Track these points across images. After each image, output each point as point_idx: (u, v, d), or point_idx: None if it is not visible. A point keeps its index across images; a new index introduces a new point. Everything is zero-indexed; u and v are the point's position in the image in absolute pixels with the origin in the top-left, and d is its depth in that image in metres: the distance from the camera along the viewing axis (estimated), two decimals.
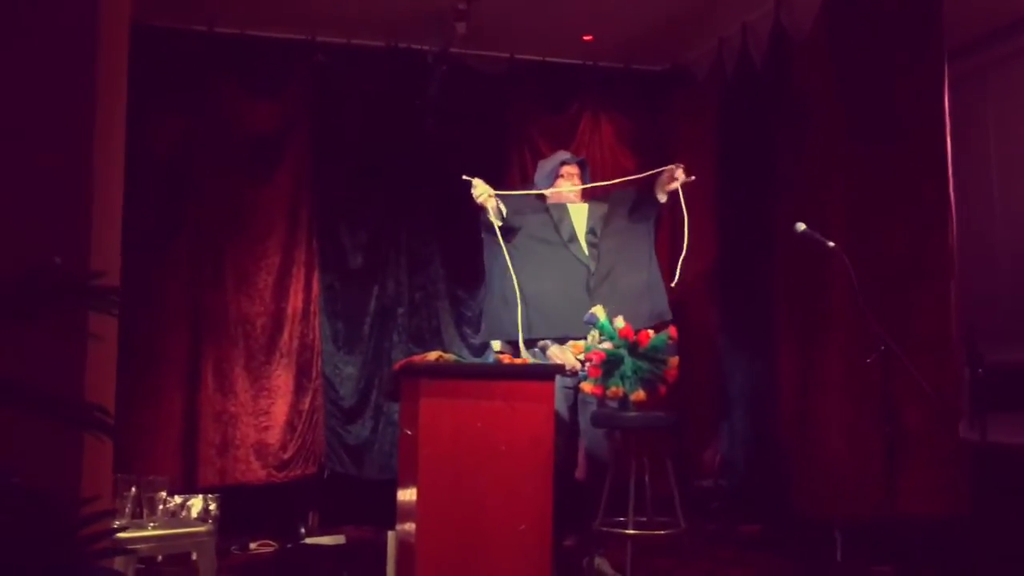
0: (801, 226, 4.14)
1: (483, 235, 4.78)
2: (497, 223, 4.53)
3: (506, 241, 4.55)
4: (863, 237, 4.48)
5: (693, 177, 4.54)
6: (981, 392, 4.19)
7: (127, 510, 3.34)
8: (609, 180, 5.12)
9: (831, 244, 4.05)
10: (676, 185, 4.55)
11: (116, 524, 3.09)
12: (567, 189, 4.74)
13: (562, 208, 4.74)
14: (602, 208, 4.80)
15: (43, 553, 1.13)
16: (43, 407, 1.19)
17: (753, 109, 5.48)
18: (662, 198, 4.68)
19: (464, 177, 4.56)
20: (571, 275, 4.59)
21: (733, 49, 5.74)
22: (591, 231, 4.71)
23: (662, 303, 4.69)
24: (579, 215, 4.74)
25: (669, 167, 4.61)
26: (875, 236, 4.48)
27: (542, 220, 4.71)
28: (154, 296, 5.46)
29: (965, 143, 4.69)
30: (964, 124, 4.68)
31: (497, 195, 4.58)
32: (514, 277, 4.49)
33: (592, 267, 4.62)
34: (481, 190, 4.51)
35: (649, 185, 4.72)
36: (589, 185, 4.90)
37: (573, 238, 4.68)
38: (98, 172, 1.59)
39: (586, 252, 4.66)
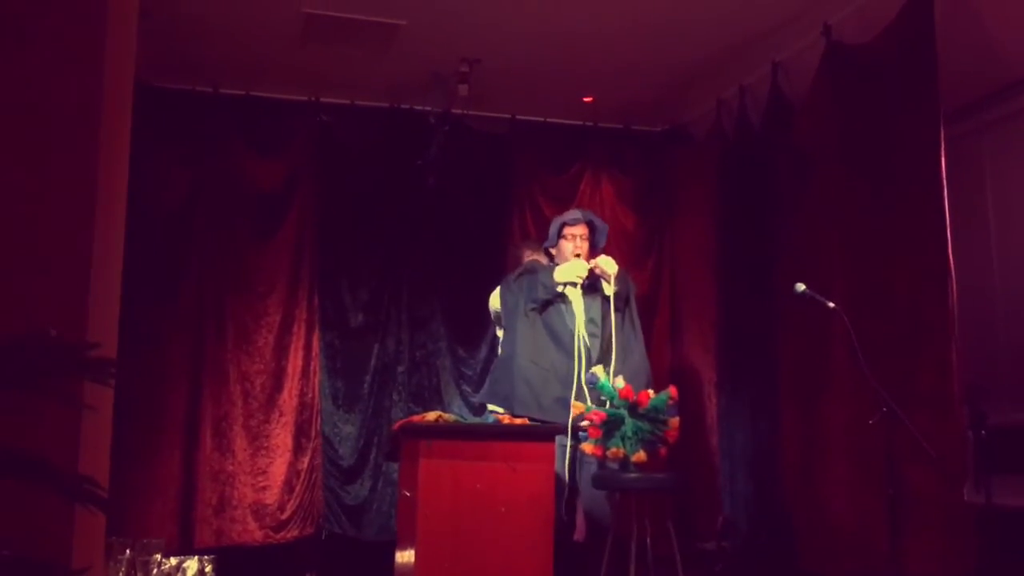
0: (801, 287, 4.13)
1: (514, 299, 4.78)
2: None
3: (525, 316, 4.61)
4: (864, 296, 4.48)
5: (614, 270, 4.64)
6: (985, 454, 4.14)
7: (121, 574, 3.29)
8: (607, 241, 5.10)
9: (831, 305, 4.03)
10: (609, 276, 4.62)
11: None
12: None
13: (567, 298, 4.74)
14: (597, 300, 4.76)
15: None
16: (35, 477, 1.18)
17: (752, 169, 5.52)
18: (607, 291, 4.70)
19: (604, 257, 4.65)
20: (569, 364, 4.57)
21: (731, 110, 5.80)
22: (591, 320, 4.71)
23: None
24: (579, 305, 4.72)
25: (596, 264, 4.67)
26: (876, 295, 4.48)
27: (556, 307, 4.69)
28: (155, 353, 5.45)
29: (963, 203, 4.70)
30: (962, 185, 4.71)
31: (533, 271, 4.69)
32: (520, 353, 4.54)
33: (590, 357, 4.61)
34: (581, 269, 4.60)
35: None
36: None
37: (574, 328, 4.69)
38: (98, 240, 1.60)
39: (587, 344, 4.64)
